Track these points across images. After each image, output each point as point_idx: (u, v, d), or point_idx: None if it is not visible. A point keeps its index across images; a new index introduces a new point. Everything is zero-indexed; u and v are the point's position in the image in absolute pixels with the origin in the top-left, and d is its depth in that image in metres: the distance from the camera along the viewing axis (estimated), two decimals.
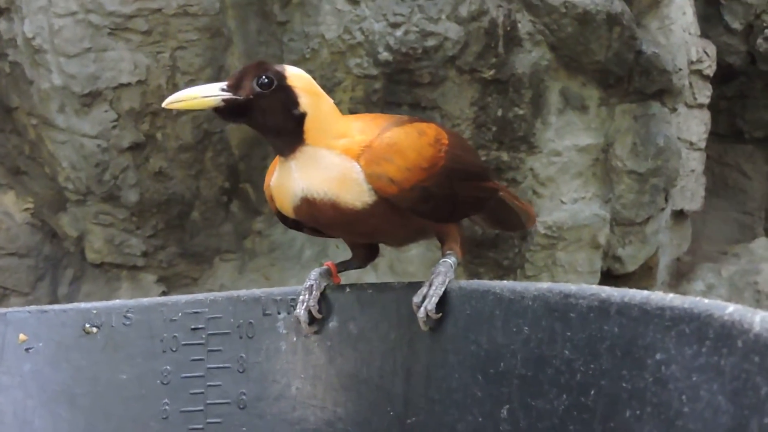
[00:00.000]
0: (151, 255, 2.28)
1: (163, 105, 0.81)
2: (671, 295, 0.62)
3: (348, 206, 0.82)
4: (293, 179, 0.83)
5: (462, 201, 0.89)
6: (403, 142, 0.84)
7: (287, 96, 0.82)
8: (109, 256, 2.27)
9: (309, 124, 0.83)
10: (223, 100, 0.81)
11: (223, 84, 0.81)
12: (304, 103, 0.83)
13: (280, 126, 0.83)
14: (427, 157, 0.84)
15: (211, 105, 0.81)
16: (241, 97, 0.81)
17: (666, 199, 2.47)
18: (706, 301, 0.59)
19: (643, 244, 2.44)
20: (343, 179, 0.82)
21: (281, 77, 0.82)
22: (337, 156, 0.83)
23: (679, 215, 2.70)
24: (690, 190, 2.70)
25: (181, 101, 0.81)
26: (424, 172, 0.84)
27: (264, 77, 0.81)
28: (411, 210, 0.84)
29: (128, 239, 2.26)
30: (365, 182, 0.82)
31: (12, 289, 2.34)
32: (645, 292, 0.64)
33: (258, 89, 0.81)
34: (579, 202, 2.30)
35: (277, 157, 0.86)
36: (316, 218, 0.84)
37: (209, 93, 0.81)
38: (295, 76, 0.84)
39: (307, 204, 0.83)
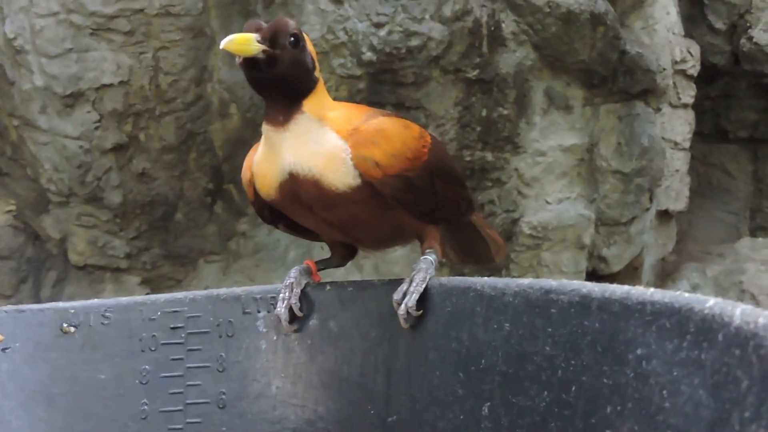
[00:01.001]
0: (134, 257, 2.26)
1: (221, 46, 0.80)
2: (652, 289, 0.61)
3: (330, 187, 0.81)
4: (282, 152, 0.83)
5: (442, 201, 0.89)
6: (389, 129, 0.84)
7: (309, 57, 0.84)
8: (93, 258, 2.26)
9: (318, 90, 0.84)
10: (263, 51, 0.80)
11: (258, 36, 0.81)
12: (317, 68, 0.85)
13: (298, 84, 0.83)
14: (411, 148, 0.85)
15: (252, 53, 0.80)
16: (278, 51, 0.81)
17: (651, 199, 2.47)
18: (687, 295, 0.58)
19: (628, 244, 2.44)
20: (330, 158, 0.82)
21: (303, 39, 0.84)
22: (330, 132, 0.83)
23: (664, 215, 2.70)
24: (674, 190, 2.71)
25: (231, 42, 0.80)
26: (409, 162, 0.84)
27: (292, 36, 0.82)
28: (393, 198, 0.83)
29: (111, 241, 2.25)
30: (351, 164, 0.82)
31: None
32: (626, 287, 0.63)
33: (289, 46, 0.82)
34: (564, 202, 2.30)
35: (260, 139, 0.86)
36: (297, 196, 0.84)
37: (253, 43, 0.80)
38: (309, 41, 0.86)
39: (292, 180, 0.82)
